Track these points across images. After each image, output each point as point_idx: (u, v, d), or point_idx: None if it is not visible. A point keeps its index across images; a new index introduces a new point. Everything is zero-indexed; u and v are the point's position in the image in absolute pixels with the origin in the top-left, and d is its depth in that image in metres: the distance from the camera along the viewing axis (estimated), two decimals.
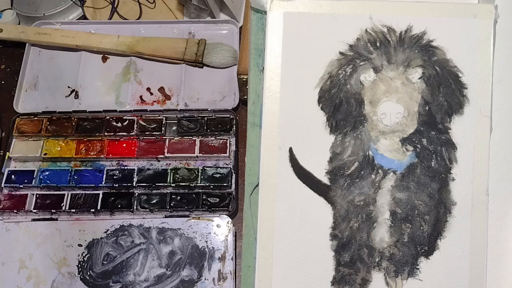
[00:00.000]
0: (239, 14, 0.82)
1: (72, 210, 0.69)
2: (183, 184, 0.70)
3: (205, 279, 0.64)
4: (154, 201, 0.69)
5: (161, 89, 0.78)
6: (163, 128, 0.73)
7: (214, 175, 0.70)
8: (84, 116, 0.75)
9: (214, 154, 0.72)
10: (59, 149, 0.73)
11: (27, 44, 0.81)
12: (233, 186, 0.70)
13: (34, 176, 0.71)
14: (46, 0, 0.84)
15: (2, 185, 0.71)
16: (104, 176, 0.71)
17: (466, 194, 0.53)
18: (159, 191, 0.70)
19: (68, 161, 0.73)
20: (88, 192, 0.70)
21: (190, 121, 0.74)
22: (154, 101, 0.77)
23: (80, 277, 0.65)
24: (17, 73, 0.79)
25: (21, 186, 0.70)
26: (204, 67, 0.79)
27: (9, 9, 0.83)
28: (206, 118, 0.73)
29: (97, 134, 0.73)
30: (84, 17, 0.84)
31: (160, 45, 0.79)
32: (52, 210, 0.69)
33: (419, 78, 0.53)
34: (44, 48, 0.81)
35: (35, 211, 0.69)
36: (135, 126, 0.73)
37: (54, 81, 0.79)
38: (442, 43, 0.54)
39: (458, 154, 0.53)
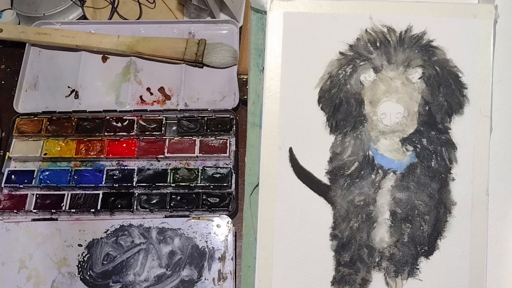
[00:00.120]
0: (239, 14, 0.82)
1: (72, 210, 0.69)
2: (183, 184, 0.70)
3: (205, 279, 0.64)
4: (154, 201, 0.69)
5: (161, 89, 0.78)
6: (163, 128, 0.73)
7: (214, 175, 0.70)
8: (84, 116, 0.75)
9: (214, 154, 0.72)
10: (59, 149, 0.73)
11: (27, 44, 0.81)
12: (233, 186, 0.70)
13: (34, 176, 0.71)
14: (46, 0, 0.84)
15: (2, 185, 0.71)
16: (104, 176, 0.71)
17: (466, 194, 0.53)
18: (159, 191, 0.70)
19: (68, 161, 0.73)
20: (88, 192, 0.70)
21: (190, 121, 0.74)
22: (154, 101, 0.77)
23: (80, 277, 0.65)
24: (17, 73, 0.79)
25: (21, 186, 0.70)
26: (204, 67, 0.79)
27: (9, 9, 0.83)
28: (206, 118, 0.73)
29: (97, 134, 0.73)
30: (84, 17, 0.84)
31: (160, 45, 0.79)
32: (52, 210, 0.69)
33: (419, 78, 0.53)
34: (44, 48, 0.81)
35: (35, 211, 0.69)
36: (135, 126, 0.73)
37: (54, 81, 0.79)
38: (442, 43, 0.53)
39: (458, 154, 0.53)
